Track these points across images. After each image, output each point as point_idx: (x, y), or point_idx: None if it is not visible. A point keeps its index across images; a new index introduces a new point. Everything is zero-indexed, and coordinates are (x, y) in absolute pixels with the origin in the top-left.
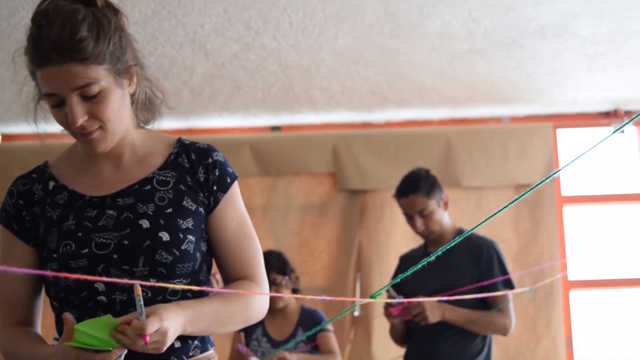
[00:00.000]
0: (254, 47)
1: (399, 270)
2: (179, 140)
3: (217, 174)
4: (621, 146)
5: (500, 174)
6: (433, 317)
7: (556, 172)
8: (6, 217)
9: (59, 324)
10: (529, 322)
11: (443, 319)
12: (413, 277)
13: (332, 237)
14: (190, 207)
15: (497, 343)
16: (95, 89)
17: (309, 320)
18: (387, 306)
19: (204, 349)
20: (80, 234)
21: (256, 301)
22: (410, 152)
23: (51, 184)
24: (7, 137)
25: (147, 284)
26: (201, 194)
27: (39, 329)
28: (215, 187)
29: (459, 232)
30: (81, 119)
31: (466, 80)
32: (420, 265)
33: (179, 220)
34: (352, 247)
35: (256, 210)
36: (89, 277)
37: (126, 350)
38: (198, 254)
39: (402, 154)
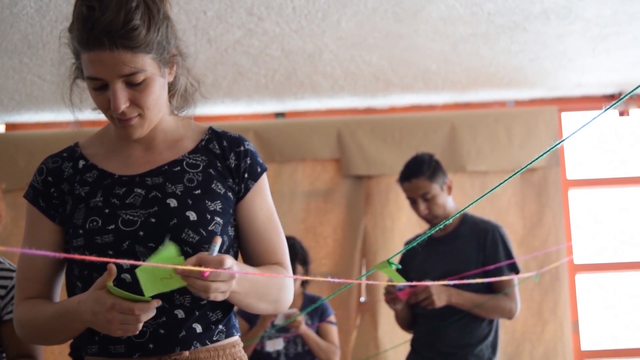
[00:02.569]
0: (257, 33)
1: (405, 255)
2: (211, 128)
3: (248, 162)
4: (626, 129)
5: (504, 158)
6: (440, 301)
7: (545, 153)
8: (33, 194)
9: None
10: (535, 306)
11: (449, 303)
12: (419, 262)
13: (338, 223)
14: (219, 190)
15: (504, 327)
16: (140, 77)
17: (311, 305)
18: (387, 292)
19: (229, 334)
20: (107, 211)
21: (288, 285)
22: (415, 137)
23: (81, 162)
24: (11, 126)
25: (170, 267)
26: (230, 180)
27: None
28: (246, 175)
29: (464, 217)
30: (123, 106)
31: (470, 65)
32: (416, 243)
33: (207, 201)
34: (358, 232)
35: None
36: (105, 259)
37: (160, 302)
38: (225, 238)
39: (406, 139)
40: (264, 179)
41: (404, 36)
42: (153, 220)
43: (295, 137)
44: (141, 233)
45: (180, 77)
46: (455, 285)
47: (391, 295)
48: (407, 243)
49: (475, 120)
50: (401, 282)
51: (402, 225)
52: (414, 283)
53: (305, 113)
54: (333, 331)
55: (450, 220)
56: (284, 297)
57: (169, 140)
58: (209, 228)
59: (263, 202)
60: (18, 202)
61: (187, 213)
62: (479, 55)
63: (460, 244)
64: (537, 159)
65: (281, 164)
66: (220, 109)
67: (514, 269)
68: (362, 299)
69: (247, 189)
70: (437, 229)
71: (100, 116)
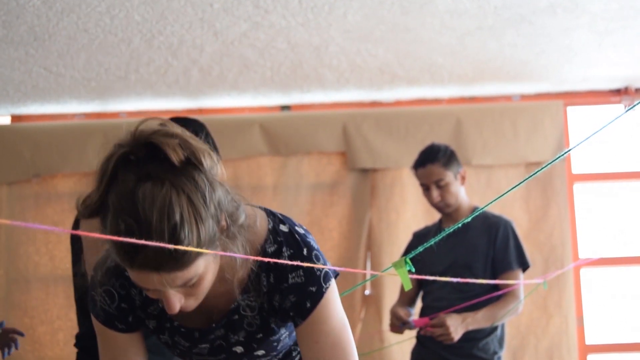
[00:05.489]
0: (263, 26)
1: (411, 246)
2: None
3: (292, 299)
4: (632, 123)
5: (510, 152)
6: (457, 335)
7: (568, 151)
8: (106, 317)
9: None
10: (540, 300)
11: (466, 330)
12: (427, 252)
13: (343, 215)
14: (277, 327)
15: (509, 321)
16: (193, 280)
17: None
18: (394, 324)
19: None
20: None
21: None
22: (420, 131)
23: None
24: (17, 117)
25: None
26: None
27: None
28: (291, 313)
29: (475, 209)
30: (178, 306)
31: (476, 58)
32: (433, 242)
33: (270, 338)
34: (363, 225)
35: (266, 189)
36: None
37: None
38: (293, 336)
39: (411, 133)
40: (322, 305)
41: (410, 29)
42: None
43: (301, 130)
44: None
45: (238, 242)
46: (461, 283)
47: (399, 326)
48: (415, 234)
49: (480, 114)
50: (410, 288)
51: (407, 219)
52: (420, 276)
53: (311, 106)
54: None
55: (470, 219)
56: None
57: (219, 278)
58: (278, 348)
59: (325, 326)
60: (24, 193)
61: (255, 353)
62: (485, 48)
63: (470, 236)
64: (565, 152)
65: (287, 156)
66: (226, 101)
67: (523, 264)
68: (367, 291)
69: (297, 325)
70: (454, 229)
71: (106, 108)
